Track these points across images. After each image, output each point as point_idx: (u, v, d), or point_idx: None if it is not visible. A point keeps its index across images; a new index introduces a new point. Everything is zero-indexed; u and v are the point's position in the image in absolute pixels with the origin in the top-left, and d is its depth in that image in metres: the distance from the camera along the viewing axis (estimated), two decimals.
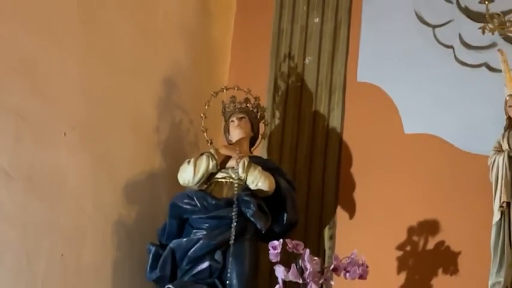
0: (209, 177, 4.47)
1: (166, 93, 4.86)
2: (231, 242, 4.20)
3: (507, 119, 4.33)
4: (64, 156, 4.15)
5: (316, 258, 4.07)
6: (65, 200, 4.12)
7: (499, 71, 4.43)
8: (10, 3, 3.93)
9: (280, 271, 4.00)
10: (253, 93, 4.68)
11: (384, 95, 4.86)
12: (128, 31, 4.62)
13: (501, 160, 4.22)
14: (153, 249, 4.34)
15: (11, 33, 3.91)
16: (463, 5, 4.79)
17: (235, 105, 4.63)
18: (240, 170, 4.38)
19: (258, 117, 4.68)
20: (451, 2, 4.83)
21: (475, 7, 4.64)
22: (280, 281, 4.00)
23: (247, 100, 4.64)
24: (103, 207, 4.35)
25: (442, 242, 4.49)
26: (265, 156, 4.85)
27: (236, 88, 4.69)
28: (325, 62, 5.03)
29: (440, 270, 4.45)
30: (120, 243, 4.41)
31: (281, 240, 4.04)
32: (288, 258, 4.06)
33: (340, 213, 4.79)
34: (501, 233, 4.14)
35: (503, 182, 4.17)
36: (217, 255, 4.24)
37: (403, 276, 4.50)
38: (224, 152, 4.50)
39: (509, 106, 4.30)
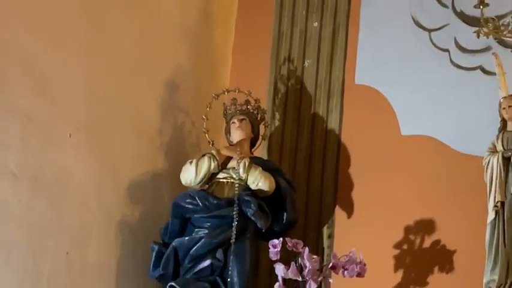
0: (211, 178, 4.48)
1: (168, 95, 4.86)
2: (232, 240, 4.21)
3: (501, 120, 4.32)
4: (69, 157, 4.15)
5: (315, 256, 4.09)
6: (70, 200, 4.13)
7: (494, 74, 4.42)
8: (15, 7, 3.93)
9: (280, 269, 4.01)
10: (254, 96, 4.68)
11: (381, 98, 4.85)
12: (130, 35, 4.62)
13: (495, 161, 4.22)
14: (156, 247, 4.34)
15: (17, 37, 3.91)
16: (458, 10, 4.79)
17: (236, 107, 4.63)
18: (241, 171, 4.39)
19: (259, 118, 4.68)
20: (447, 7, 4.82)
21: (470, 12, 4.63)
22: (280, 278, 4.01)
23: (247, 102, 4.64)
24: (107, 206, 4.35)
25: (438, 241, 4.49)
26: (265, 157, 4.85)
27: (237, 90, 4.69)
28: (324, 65, 5.03)
29: (436, 268, 4.45)
30: (124, 242, 4.42)
31: (281, 238, 4.06)
32: (288, 257, 4.08)
33: (339, 213, 4.78)
34: (495, 232, 4.14)
35: (497, 182, 4.17)
36: (219, 254, 4.25)
37: (400, 274, 4.50)
38: (225, 152, 4.50)
39: (503, 108, 4.30)
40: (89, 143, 4.27)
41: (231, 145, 4.61)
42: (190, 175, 4.44)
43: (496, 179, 4.19)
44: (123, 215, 4.44)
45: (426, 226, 4.53)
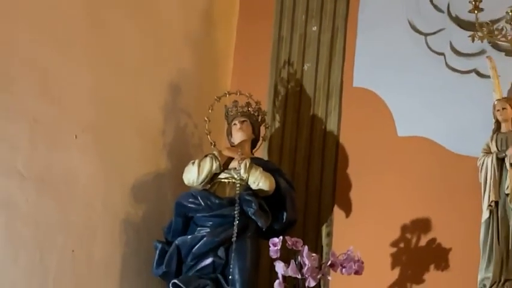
0: (212, 178, 4.49)
1: (171, 97, 4.87)
2: (234, 239, 4.21)
3: (495, 122, 4.33)
4: (75, 157, 4.16)
5: (314, 254, 4.09)
6: (76, 199, 4.14)
7: (488, 77, 4.44)
8: (24, 14, 3.95)
9: (280, 267, 4.01)
10: (255, 98, 4.69)
11: (379, 100, 4.85)
12: (134, 39, 4.63)
13: (490, 161, 4.23)
14: (159, 246, 4.35)
15: (26, 43, 3.93)
16: (453, 14, 4.79)
17: (237, 109, 4.64)
18: (242, 171, 4.40)
19: (259, 120, 4.69)
20: (443, 12, 4.82)
21: (465, 16, 4.63)
22: (280, 276, 4.01)
23: (248, 104, 4.65)
24: (112, 206, 4.36)
25: (433, 239, 4.49)
26: (265, 158, 4.86)
27: (238, 93, 4.70)
28: (322, 68, 5.03)
29: (432, 266, 4.44)
30: (128, 240, 4.43)
31: (281, 237, 4.06)
32: (288, 255, 4.08)
33: (337, 212, 4.78)
34: (490, 231, 4.15)
35: (491, 182, 4.18)
36: (220, 252, 4.26)
37: (396, 271, 4.50)
38: (227, 153, 4.51)
39: (497, 110, 4.31)
40: (94, 144, 4.28)
41: (232, 146, 4.62)
42: (193, 175, 4.46)
43: (490, 179, 4.21)
44: (128, 214, 4.45)
45: (422, 225, 4.52)
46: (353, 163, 4.85)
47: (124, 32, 4.56)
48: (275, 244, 4.03)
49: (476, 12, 4.33)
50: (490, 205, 4.16)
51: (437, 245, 4.48)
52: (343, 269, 4.06)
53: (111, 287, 4.30)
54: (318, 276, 4.05)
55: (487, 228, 4.16)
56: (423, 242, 4.52)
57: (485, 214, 4.17)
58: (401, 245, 4.55)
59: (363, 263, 4.07)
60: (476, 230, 4.20)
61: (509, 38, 4.30)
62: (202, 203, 4.33)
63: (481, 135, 4.39)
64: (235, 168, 4.43)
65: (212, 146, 4.63)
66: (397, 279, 4.49)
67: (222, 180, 4.47)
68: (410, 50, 4.84)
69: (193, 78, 5.05)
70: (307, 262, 4.01)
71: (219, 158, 4.47)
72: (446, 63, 4.75)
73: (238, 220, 4.23)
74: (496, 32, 4.33)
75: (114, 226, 4.36)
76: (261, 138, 4.74)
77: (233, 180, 4.42)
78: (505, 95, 4.36)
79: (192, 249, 4.27)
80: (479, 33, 4.34)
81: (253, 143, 4.68)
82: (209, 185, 4.50)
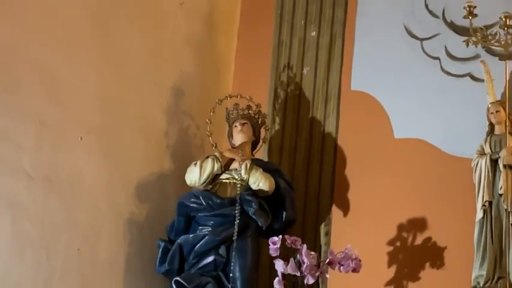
0: (214, 178, 4.49)
1: (174, 100, 4.87)
2: (234, 237, 4.22)
3: (489, 124, 4.33)
4: (81, 158, 4.17)
5: (312, 253, 4.09)
6: (81, 199, 4.15)
7: (482, 80, 4.44)
8: (32, 20, 3.96)
9: (279, 265, 4.01)
10: (255, 101, 4.69)
11: (376, 103, 4.85)
12: (139, 44, 4.64)
13: (484, 163, 4.24)
14: (162, 244, 4.36)
15: (33, 47, 3.95)
16: (448, 20, 4.79)
17: (238, 112, 4.64)
18: (243, 172, 4.40)
19: (259, 122, 4.70)
20: (438, 17, 4.82)
21: (459, 22, 4.63)
22: (279, 273, 4.02)
23: (249, 107, 4.66)
24: (116, 205, 4.37)
25: (429, 238, 4.49)
26: (266, 159, 4.86)
27: (239, 96, 4.71)
28: (321, 72, 5.03)
29: (427, 264, 4.44)
30: (132, 239, 4.43)
31: (280, 236, 4.07)
32: (287, 253, 4.09)
33: (335, 212, 4.78)
34: (484, 230, 4.15)
35: (485, 182, 4.18)
36: (222, 250, 4.26)
37: (393, 269, 4.50)
38: (228, 155, 4.52)
39: (491, 113, 4.31)
40: (99, 145, 4.29)
41: (233, 148, 4.62)
42: (195, 176, 4.46)
43: (484, 179, 4.21)
44: (131, 213, 4.46)
45: (418, 224, 4.52)
46: (351, 164, 4.84)
47: (128, 37, 4.57)
48: (275, 243, 4.04)
49: (470, 18, 4.32)
50: (483, 205, 4.16)
51: (432, 243, 4.47)
52: (341, 267, 4.07)
53: (115, 284, 4.30)
54: (317, 274, 4.06)
55: (481, 227, 4.16)
56: (419, 240, 4.51)
57: (479, 214, 4.17)
58: (398, 243, 4.55)
59: (360, 261, 4.07)
60: (470, 229, 4.20)
61: (503, 43, 4.30)
62: (204, 203, 4.34)
63: (475, 137, 4.39)
64: (236, 169, 4.44)
65: (214, 148, 4.63)
66: (394, 277, 4.48)
67: (223, 180, 4.47)
68: (406, 55, 4.84)
69: (195, 82, 5.05)
70: (306, 260, 4.01)
71: (221, 159, 4.47)
72: (441, 67, 4.75)
73: (238, 219, 4.23)
74: (489, 37, 4.33)
75: (118, 225, 4.37)
76: (261, 140, 4.74)
77: (234, 181, 4.43)
78: (498, 98, 4.36)
79: (194, 247, 4.27)
80: (474, 38, 4.34)
81: (254, 145, 4.68)
82: (211, 186, 4.50)
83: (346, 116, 4.93)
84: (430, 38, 4.83)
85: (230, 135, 4.69)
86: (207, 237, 4.27)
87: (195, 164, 4.47)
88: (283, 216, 4.44)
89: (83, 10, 4.28)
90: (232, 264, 4.21)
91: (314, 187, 4.84)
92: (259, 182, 4.40)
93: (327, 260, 4.08)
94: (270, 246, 4.05)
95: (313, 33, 5.12)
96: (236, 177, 4.42)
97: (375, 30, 4.98)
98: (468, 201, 4.27)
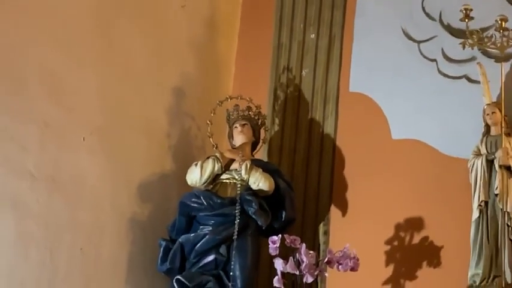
0: (215, 178, 4.49)
1: (176, 101, 4.87)
2: (235, 237, 4.21)
3: (485, 125, 4.33)
4: (83, 159, 4.17)
5: (311, 252, 4.09)
6: (84, 199, 4.14)
7: (478, 82, 4.44)
8: (35, 23, 3.96)
9: (279, 263, 4.01)
10: (255, 102, 4.69)
11: (374, 104, 4.85)
12: (141, 46, 4.64)
13: (480, 163, 4.24)
14: (163, 243, 4.35)
15: (37, 50, 3.95)
16: (445, 23, 4.79)
17: (238, 113, 4.64)
18: (243, 172, 4.40)
19: (259, 123, 4.69)
20: (435, 20, 4.82)
21: (456, 24, 4.63)
22: (279, 272, 4.01)
23: (249, 108, 4.66)
24: (119, 205, 4.36)
25: (426, 238, 4.48)
26: (265, 160, 4.85)
27: (239, 97, 4.70)
28: (320, 74, 5.03)
29: (424, 263, 4.43)
30: (135, 238, 4.43)
31: (280, 235, 4.06)
32: (286, 252, 4.08)
33: (334, 211, 4.78)
34: (480, 229, 4.15)
35: (481, 183, 4.19)
36: (222, 249, 4.26)
37: (390, 268, 4.50)
38: (228, 155, 4.52)
39: (487, 114, 4.31)
40: (102, 146, 4.28)
41: (233, 148, 4.62)
42: (196, 176, 4.46)
43: (480, 180, 4.21)
44: (134, 213, 4.45)
45: (415, 224, 4.52)
46: (349, 165, 4.84)
47: (131, 39, 4.57)
48: (274, 242, 4.03)
49: (467, 20, 4.32)
50: (480, 205, 4.16)
51: (429, 243, 4.47)
52: (340, 266, 4.06)
53: (118, 283, 4.30)
54: (315, 273, 4.06)
55: (477, 226, 4.16)
56: (416, 240, 4.51)
57: (475, 213, 4.17)
58: (396, 243, 4.54)
59: (358, 260, 4.07)
60: (466, 229, 4.20)
61: (499, 45, 4.29)
62: (205, 203, 4.33)
63: (471, 138, 4.39)
64: (237, 169, 4.44)
65: (214, 148, 4.63)
66: (391, 276, 4.48)
67: (224, 180, 4.47)
68: (404, 57, 4.84)
69: (196, 83, 5.05)
70: (305, 259, 4.01)
71: (221, 160, 4.47)
72: (438, 69, 4.74)
73: (239, 219, 4.23)
74: (485, 40, 4.33)
75: (121, 225, 4.37)
76: (261, 141, 4.74)
77: (234, 181, 4.42)
78: (494, 99, 4.36)
79: (195, 246, 4.27)
80: (470, 41, 4.33)
81: (254, 146, 4.68)
82: (211, 186, 4.50)
83: (345, 117, 4.93)
84: (427, 40, 4.83)
85: (230, 136, 4.68)
86: (207, 236, 4.27)
87: (196, 165, 4.47)
88: (283, 216, 4.44)
89: (86, 12, 4.27)
90: (232, 263, 4.21)
91: (313, 187, 4.84)
92: (259, 182, 4.40)
93: (326, 259, 4.08)
94: (269, 246, 4.05)
95: (312, 36, 5.12)
96: (236, 177, 4.42)
97: (373, 32, 4.97)
98: (464, 201, 4.27)
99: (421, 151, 4.65)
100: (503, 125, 4.26)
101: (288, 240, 4.05)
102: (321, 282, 4.54)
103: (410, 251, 4.51)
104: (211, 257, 4.27)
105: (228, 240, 4.25)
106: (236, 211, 4.25)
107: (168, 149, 4.78)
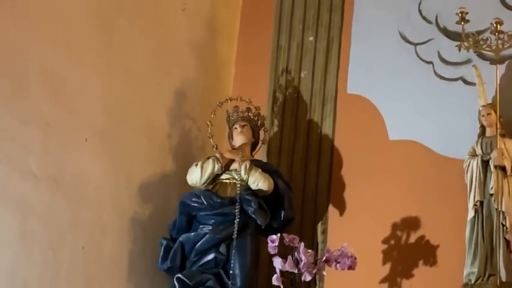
0: (215, 178, 4.49)
1: (177, 103, 4.87)
2: (234, 236, 4.21)
3: (480, 127, 4.34)
4: (86, 159, 4.16)
5: (310, 250, 4.08)
6: (86, 199, 4.14)
7: (474, 84, 4.44)
8: (38, 25, 3.95)
9: (278, 262, 4.01)
10: (255, 104, 4.69)
11: (371, 105, 4.85)
12: (143, 48, 4.63)
13: (475, 164, 4.24)
14: (164, 242, 4.35)
15: (40, 51, 3.93)
16: (441, 26, 4.79)
17: (238, 114, 4.64)
18: (243, 172, 4.40)
19: (259, 124, 4.69)
20: (431, 23, 4.83)
21: (452, 27, 4.63)
22: (277, 271, 4.01)
23: (249, 109, 4.65)
24: (120, 205, 4.36)
25: (422, 237, 4.48)
26: (265, 160, 4.85)
27: (239, 99, 4.70)
28: (318, 75, 5.03)
29: (421, 262, 4.44)
30: (136, 237, 4.42)
31: (279, 234, 4.05)
32: (285, 251, 4.08)
33: (332, 211, 4.78)
34: (475, 229, 4.15)
35: (476, 183, 4.19)
36: (222, 248, 4.26)
37: (387, 267, 4.50)
38: (228, 155, 4.51)
39: (482, 115, 4.32)
40: (104, 146, 4.28)
41: (233, 149, 4.62)
42: (196, 176, 4.46)
43: (476, 180, 4.21)
44: (135, 212, 4.45)
45: (412, 223, 4.52)
46: (347, 165, 4.84)
47: (133, 42, 4.57)
48: (273, 241, 4.03)
49: (462, 23, 4.32)
50: (475, 205, 4.17)
51: (426, 242, 4.47)
52: (338, 265, 4.06)
53: (119, 281, 4.30)
54: (314, 271, 4.05)
55: (473, 226, 4.16)
56: (413, 239, 4.51)
57: (471, 213, 4.17)
58: (392, 241, 4.54)
59: (356, 258, 4.06)
60: (462, 228, 4.20)
61: (494, 47, 4.30)
62: (205, 202, 4.33)
63: (467, 139, 4.39)
64: (236, 169, 4.44)
65: (214, 149, 4.63)
66: (388, 274, 4.48)
67: (224, 180, 4.47)
68: (401, 59, 4.85)
69: (197, 85, 5.05)
70: (303, 258, 4.00)
71: (221, 160, 4.47)
72: (434, 71, 4.75)
73: (238, 218, 4.23)
74: (481, 42, 4.33)
75: (122, 224, 4.36)
76: (260, 142, 4.73)
77: (234, 181, 4.42)
78: (489, 101, 4.36)
79: (195, 245, 4.27)
80: (466, 43, 4.34)
81: (253, 146, 4.68)
82: (211, 185, 4.49)
83: (343, 118, 4.93)
84: (423, 43, 4.83)
85: (230, 137, 4.68)
86: (207, 235, 4.27)
87: (196, 165, 4.47)
88: (282, 215, 4.44)
89: (87, 13, 4.27)
90: (232, 261, 4.21)
91: (311, 187, 4.84)
92: (259, 182, 4.39)
93: (324, 258, 4.07)
94: (268, 244, 4.04)
95: (311, 38, 5.12)
96: (236, 177, 4.42)
97: (370, 35, 4.98)
98: (460, 201, 4.27)
99: (417, 152, 4.65)
100: (498, 126, 4.27)
101: (286, 239, 4.05)
102: (319, 281, 4.54)
103: (407, 249, 4.51)
104: (211, 256, 4.26)
105: (227, 239, 4.24)
106: (236, 210, 4.24)
107: (168, 150, 4.77)
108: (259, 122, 4.69)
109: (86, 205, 4.12)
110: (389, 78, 4.85)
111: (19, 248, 3.76)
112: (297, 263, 4.01)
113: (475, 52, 4.51)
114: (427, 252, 4.45)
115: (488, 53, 4.37)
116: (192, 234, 4.30)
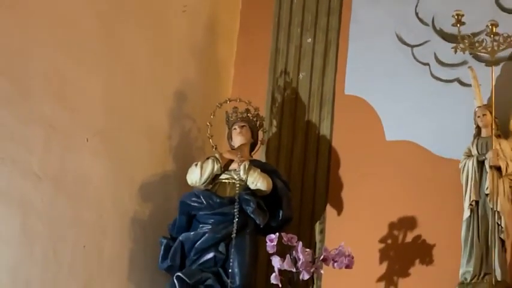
0: (214, 178, 4.48)
1: (177, 104, 4.87)
2: (233, 235, 4.21)
3: (476, 127, 4.33)
4: (87, 159, 4.16)
5: (308, 249, 4.08)
6: (87, 199, 4.14)
7: (469, 85, 4.43)
8: (41, 27, 3.96)
9: (276, 261, 4.01)
10: (254, 105, 4.68)
11: (368, 106, 4.84)
12: (144, 50, 4.64)
13: (471, 164, 4.23)
14: (164, 241, 4.35)
15: (42, 53, 3.94)
16: (438, 28, 4.78)
17: (237, 115, 4.63)
18: (242, 172, 4.39)
19: (258, 125, 4.69)
20: (428, 25, 4.81)
21: (448, 29, 4.62)
22: (276, 269, 4.01)
23: (248, 110, 4.65)
24: (121, 205, 4.36)
25: (419, 236, 4.47)
26: (263, 160, 4.85)
27: (238, 100, 4.69)
28: (316, 77, 5.02)
29: (417, 261, 4.42)
30: (136, 237, 4.42)
31: (277, 234, 4.05)
32: (284, 250, 4.07)
33: (330, 211, 4.77)
34: (471, 228, 4.14)
35: (472, 183, 4.18)
36: (221, 247, 4.25)
37: (384, 266, 4.48)
38: (227, 156, 4.51)
39: (478, 116, 4.31)
40: (105, 147, 4.28)
41: (232, 149, 4.61)
42: (196, 176, 4.45)
43: (471, 180, 4.20)
44: (135, 212, 4.45)
45: (408, 223, 4.51)
46: (345, 165, 4.83)
47: (134, 44, 4.57)
48: (272, 240, 4.03)
49: (458, 25, 4.32)
50: (470, 204, 4.16)
51: (422, 241, 4.46)
52: (335, 263, 4.06)
53: (119, 279, 4.30)
54: (312, 270, 4.05)
55: (468, 225, 4.15)
56: (409, 238, 4.50)
57: (466, 213, 4.16)
58: (389, 241, 4.54)
59: (353, 257, 4.06)
60: (458, 228, 4.19)
61: (489, 49, 4.29)
62: (205, 202, 4.33)
63: (463, 139, 4.38)
64: (235, 169, 4.44)
65: (214, 149, 4.63)
66: (385, 273, 4.47)
67: (223, 180, 4.46)
68: (397, 61, 4.83)
69: (197, 86, 5.04)
70: (301, 257, 4.00)
71: (220, 160, 4.47)
72: (431, 72, 4.74)
73: (237, 218, 4.23)
74: (477, 44, 4.32)
75: (122, 223, 4.36)
76: (259, 142, 4.73)
77: (233, 181, 4.42)
78: (485, 102, 4.35)
79: (195, 244, 4.27)
80: (462, 45, 4.33)
81: (252, 146, 4.67)
82: (211, 185, 4.49)
83: (340, 119, 4.92)
84: (420, 44, 4.82)
85: (229, 137, 4.68)
86: (207, 234, 4.26)
87: (196, 165, 4.47)
88: (280, 215, 4.44)
89: (90, 15, 4.27)
90: (231, 260, 4.21)
91: (309, 187, 4.83)
92: (257, 182, 4.39)
93: (322, 257, 4.07)
94: (267, 244, 4.04)
95: (309, 40, 5.11)
96: (235, 177, 4.42)
97: (367, 37, 4.96)
98: (456, 200, 4.26)
99: (414, 152, 4.64)
100: (493, 127, 4.25)
101: (285, 239, 4.04)
102: (316, 279, 4.53)
103: (403, 249, 4.50)
104: (210, 255, 4.26)
105: (227, 239, 4.24)
106: (235, 210, 4.25)
107: (169, 150, 4.77)
108: (258, 122, 4.68)
109: (86, 205, 4.12)
110: (386, 80, 4.84)
111: (21, 246, 3.76)
112: (295, 261, 4.01)
113: (470, 54, 4.50)
114: (423, 251, 4.43)
115: (483, 54, 4.36)
116: (192, 233, 4.30)
